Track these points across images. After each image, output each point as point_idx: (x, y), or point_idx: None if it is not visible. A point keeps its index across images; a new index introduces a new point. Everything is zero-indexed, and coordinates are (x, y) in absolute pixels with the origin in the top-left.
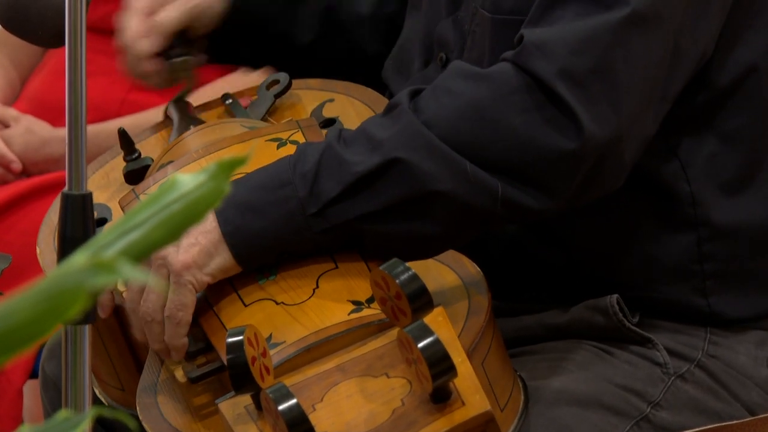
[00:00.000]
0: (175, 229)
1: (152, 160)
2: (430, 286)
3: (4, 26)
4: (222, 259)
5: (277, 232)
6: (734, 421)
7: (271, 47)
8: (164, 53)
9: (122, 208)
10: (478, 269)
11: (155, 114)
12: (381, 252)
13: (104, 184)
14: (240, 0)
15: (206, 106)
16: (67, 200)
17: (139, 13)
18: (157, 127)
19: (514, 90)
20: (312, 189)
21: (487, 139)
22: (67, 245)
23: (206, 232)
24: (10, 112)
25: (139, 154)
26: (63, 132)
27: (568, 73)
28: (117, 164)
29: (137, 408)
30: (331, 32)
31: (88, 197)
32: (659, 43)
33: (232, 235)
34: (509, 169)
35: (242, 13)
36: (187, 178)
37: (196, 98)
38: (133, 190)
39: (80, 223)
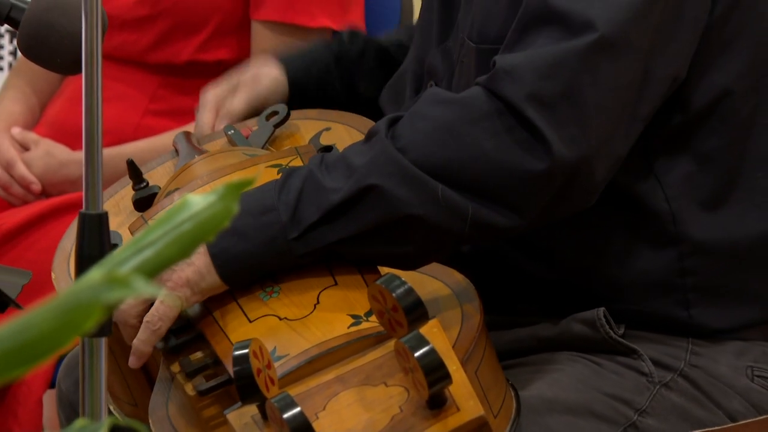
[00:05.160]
0: (186, 246)
1: (159, 188)
2: (424, 298)
3: (24, 54)
4: (212, 279)
5: (260, 255)
6: (716, 427)
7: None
8: None
9: (132, 234)
10: (468, 281)
11: (168, 138)
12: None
13: (115, 212)
14: (299, 79)
15: (210, 137)
16: (84, 219)
17: (210, 108)
18: (164, 158)
19: (485, 114)
20: (294, 215)
21: (459, 162)
22: (84, 262)
23: (199, 254)
24: (31, 136)
25: (147, 183)
26: (80, 155)
27: (537, 97)
28: (126, 193)
29: (150, 421)
30: (385, 82)
31: (104, 216)
32: (628, 67)
33: (218, 256)
34: (481, 191)
35: (303, 89)
36: (198, 199)
37: (201, 113)
38: (142, 216)
39: (97, 240)
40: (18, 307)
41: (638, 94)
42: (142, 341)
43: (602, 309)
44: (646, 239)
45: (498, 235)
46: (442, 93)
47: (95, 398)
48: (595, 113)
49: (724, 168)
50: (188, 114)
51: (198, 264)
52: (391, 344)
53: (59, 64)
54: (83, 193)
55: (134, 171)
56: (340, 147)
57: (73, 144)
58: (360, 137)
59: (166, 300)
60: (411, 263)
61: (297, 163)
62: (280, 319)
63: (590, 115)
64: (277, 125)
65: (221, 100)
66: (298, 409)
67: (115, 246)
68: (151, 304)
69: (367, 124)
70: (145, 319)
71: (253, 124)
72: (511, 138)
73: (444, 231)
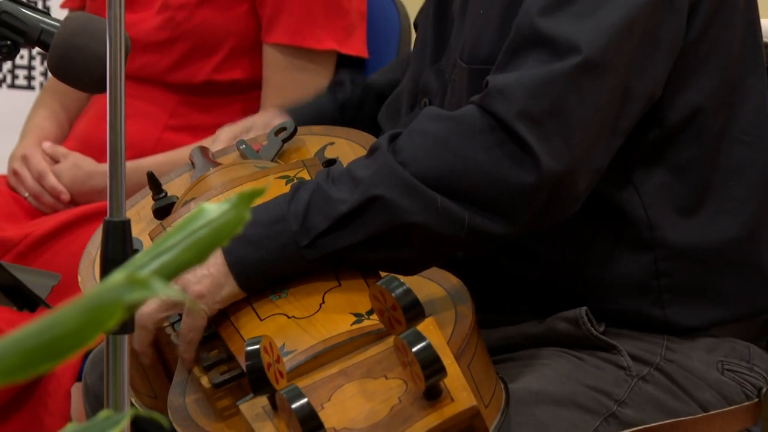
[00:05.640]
0: (202, 251)
1: (177, 198)
2: (421, 299)
3: (54, 74)
4: (230, 288)
5: (274, 262)
6: (689, 417)
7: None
8: None
9: (152, 239)
10: (462, 283)
11: (186, 152)
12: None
13: (136, 219)
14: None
15: (223, 151)
16: (108, 226)
17: (223, 145)
18: (181, 170)
19: (478, 130)
20: (303, 224)
21: (455, 175)
22: (108, 265)
23: (216, 264)
24: (60, 150)
25: (166, 193)
26: (105, 167)
27: (527, 114)
28: (147, 203)
29: (168, 412)
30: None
31: (127, 223)
32: (609, 86)
33: (236, 265)
34: (476, 200)
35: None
36: (213, 207)
37: (214, 145)
38: (161, 223)
39: (120, 245)
40: (47, 306)
41: (618, 111)
42: (183, 351)
43: (584, 308)
44: (624, 244)
45: (492, 241)
46: (438, 110)
47: (118, 391)
48: (579, 129)
49: (697, 178)
50: (205, 129)
51: (216, 275)
52: (390, 340)
53: (86, 84)
54: (107, 202)
55: (154, 182)
56: (343, 160)
57: (98, 157)
58: (361, 151)
59: (192, 312)
60: (412, 268)
61: (304, 174)
62: (289, 317)
63: (575, 130)
64: (285, 140)
65: (234, 138)
66: (305, 400)
67: (136, 251)
68: (168, 312)
69: (368, 139)
70: (179, 332)
71: (263, 139)
72: (502, 151)
73: (443, 237)
